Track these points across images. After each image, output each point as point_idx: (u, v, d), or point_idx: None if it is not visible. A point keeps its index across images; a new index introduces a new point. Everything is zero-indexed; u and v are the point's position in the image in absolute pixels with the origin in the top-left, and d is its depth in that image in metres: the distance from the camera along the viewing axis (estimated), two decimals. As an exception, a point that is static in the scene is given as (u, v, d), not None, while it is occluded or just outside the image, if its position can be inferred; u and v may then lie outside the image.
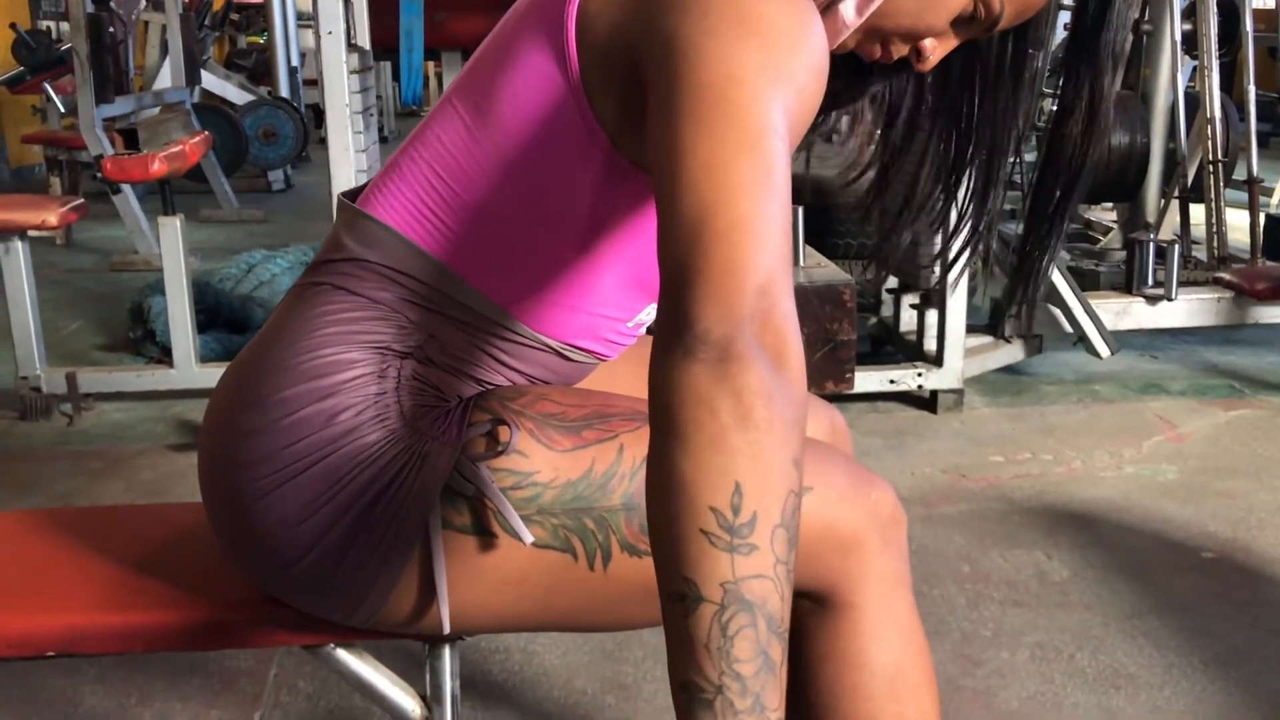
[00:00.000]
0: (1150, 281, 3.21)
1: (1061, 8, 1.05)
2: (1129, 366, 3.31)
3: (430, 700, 1.12)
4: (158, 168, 2.63)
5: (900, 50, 0.99)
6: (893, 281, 3.36)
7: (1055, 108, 1.04)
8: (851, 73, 1.06)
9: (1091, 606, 1.99)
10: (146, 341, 3.47)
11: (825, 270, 2.81)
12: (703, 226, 0.70)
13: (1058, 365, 3.26)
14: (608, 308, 1.00)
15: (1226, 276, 3.19)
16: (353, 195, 1.03)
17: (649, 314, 1.04)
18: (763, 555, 0.64)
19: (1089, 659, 1.83)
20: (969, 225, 1.12)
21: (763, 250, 0.70)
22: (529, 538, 0.91)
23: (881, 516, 1.00)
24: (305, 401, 0.93)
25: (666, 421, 0.67)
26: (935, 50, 0.98)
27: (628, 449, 0.93)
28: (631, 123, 0.88)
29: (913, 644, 1.02)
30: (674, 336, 0.68)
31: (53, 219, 2.75)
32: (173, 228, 2.88)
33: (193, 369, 3.02)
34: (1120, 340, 3.27)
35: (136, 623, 1.02)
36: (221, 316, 3.57)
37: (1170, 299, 3.15)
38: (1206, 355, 3.42)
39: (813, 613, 1.01)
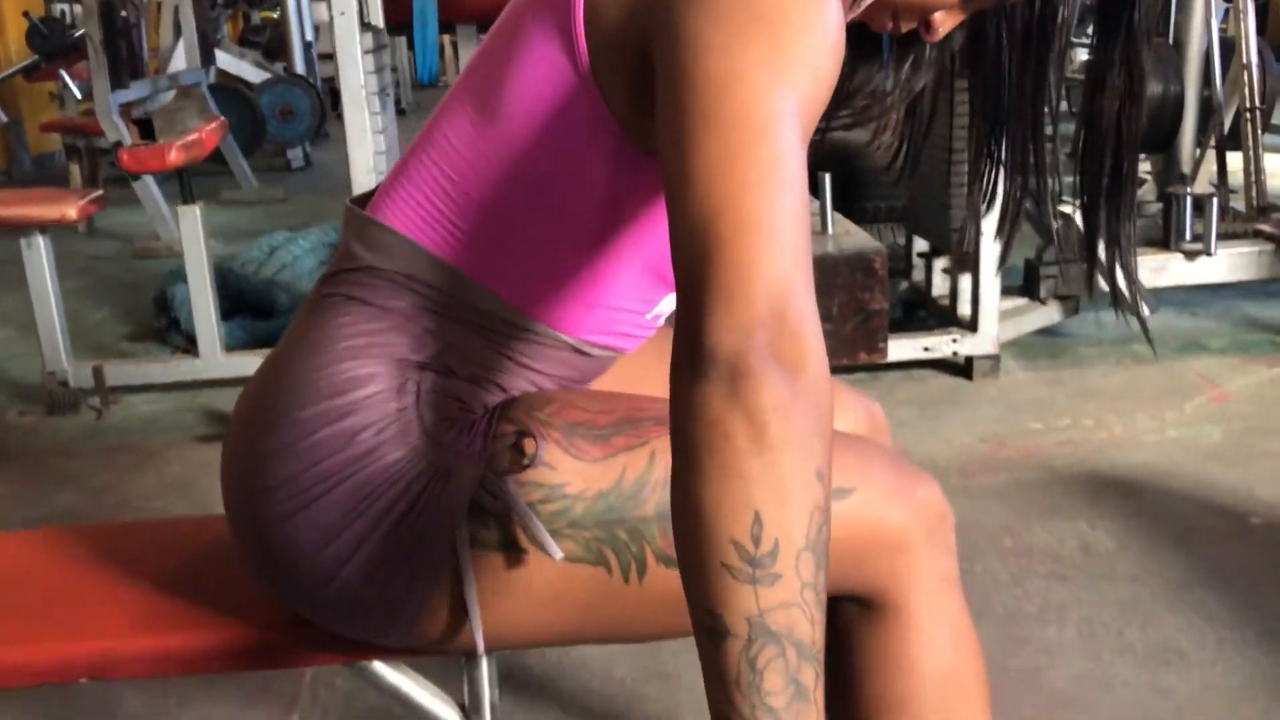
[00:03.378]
0: (1189, 236, 3.13)
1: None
2: (1168, 324, 3.24)
3: (469, 710, 1.10)
4: (174, 157, 2.60)
5: (909, 24, 0.96)
6: (923, 244, 3.29)
7: (1087, 83, 1.01)
8: (866, 44, 1.03)
9: (1139, 579, 1.95)
10: (172, 330, 3.46)
11: (855, 238, 2.76)
12: (709, 229, 0.66)
13: (1095, 325, 3.18)
14: (626, 300, 0.97)
15: (1267, 228, 3.11)
16: (361, 201, 0.99)
17: (667, 304, 1.01)
18: (788, 583, 0.62)
19: (1138, 634, 1.79)
20: (1003, 193, 1.09)
21: (774, 248, 0.66)
22: (558, 554, 0.88)
23: (928, 515, 0.96)
24: (324, 421, 0.90)
25: (681, 447, 0.65)
26: (944, 23, 0.96)
27: (660, 455, 0.90)
28: (642, 109, 0.83)
29: (964, 646, 0.98)
30: (686, 353, 0.66)
31: (72, 213, 2.73)
32: (192, 216, 2.85)
33: (218, 358, 3.01)
34: (1159, 298, 3.20)
35: (170, 646, 1.00)
36: (245, 303, 3.55)
37: (1209, 254, 3.07)
38: (1248, 310, 3.34)
39: (860, 617, 0.97)
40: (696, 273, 0.66)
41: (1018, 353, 3.05)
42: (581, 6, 0.85)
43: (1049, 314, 3.09)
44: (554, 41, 0.86)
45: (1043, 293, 3.08)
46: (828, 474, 0.64)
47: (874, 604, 0.96)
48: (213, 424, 2.87)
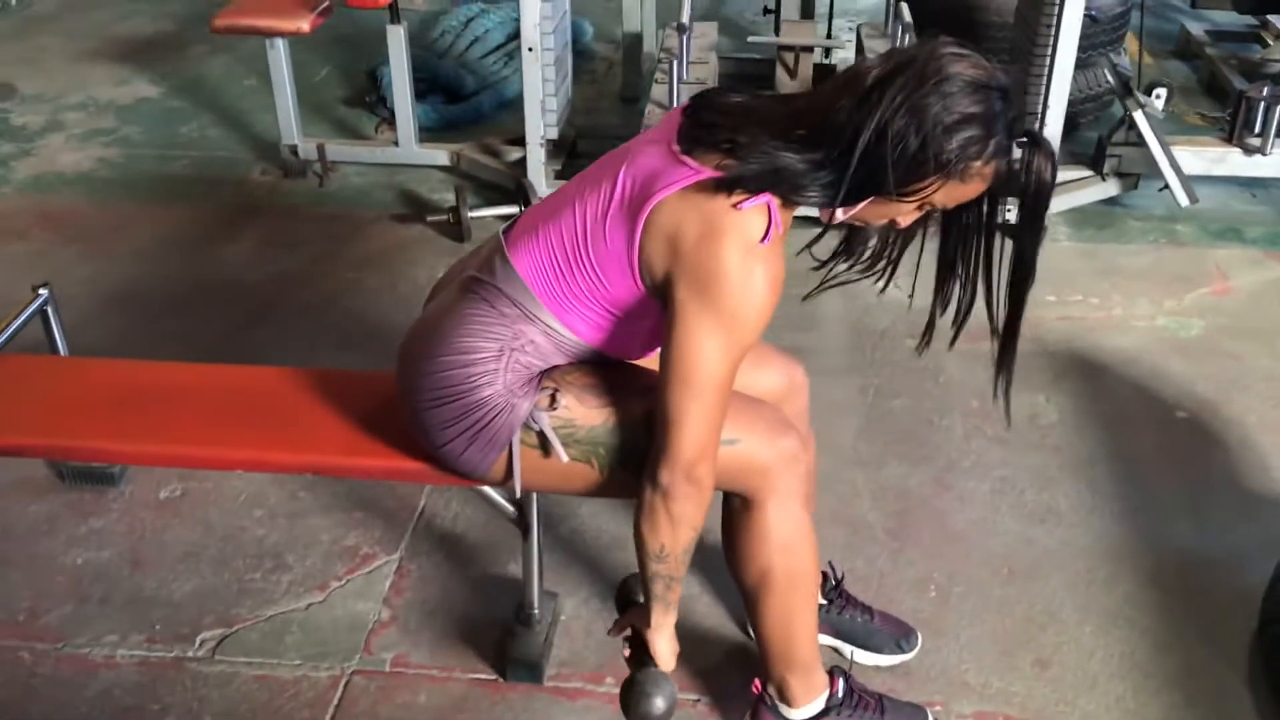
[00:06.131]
0: (1256, 130, 3.47)
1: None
2: (1222, 205, 3.59)
3: (522, 503, 1.90)
4: (385, -3, 3.25)
5: (879, 224, 1.58)
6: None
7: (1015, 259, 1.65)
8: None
9: (1058, 450, 2.58)
10: (379, 105, 4.21)
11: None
12: (669, 418, 1.52)
13: (1153, 199, 3.58)
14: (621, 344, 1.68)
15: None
16: (508, 227, 1.69)
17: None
18: (672, 561, 1.57)
19: (1034, 495, 2.44)
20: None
21: (694, 440, 1.51)
22: (565, 458, 1.63)
23: (784, 456, 1.67)
24: (456, 365, 1.64)
25: (641, 507, 1.57)
26: (907, 220, 1.56)
27: (622, 414, 1.62)
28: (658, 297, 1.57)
29: (800, 529, 1.71)
30: (650, 473, 1.55)
31: (305, 26, 3.45)
32: (398, 35, 3.54)
33: (414, 148, 3.78)
34: (1217, 183, 3.56)
35: (362, 464, 1.81)
36: (439, 84, 4.25)
37: (1264, 154, 3.42)
38: (1303, 201, 3.66)
39: (742, 506, 1.71)
40: (659, 435, 1.53)
41: (1072, 219, 3.52)
42: (639, 258, 1.53)
43: (1106, 189, 3.53)
44: (623, 257, 1.55)
45: (1106, 169, 3.51)
46: (697, 530, 1.57)
47: (749, 500, 1.70)
48: (406, 204, 3.66)
